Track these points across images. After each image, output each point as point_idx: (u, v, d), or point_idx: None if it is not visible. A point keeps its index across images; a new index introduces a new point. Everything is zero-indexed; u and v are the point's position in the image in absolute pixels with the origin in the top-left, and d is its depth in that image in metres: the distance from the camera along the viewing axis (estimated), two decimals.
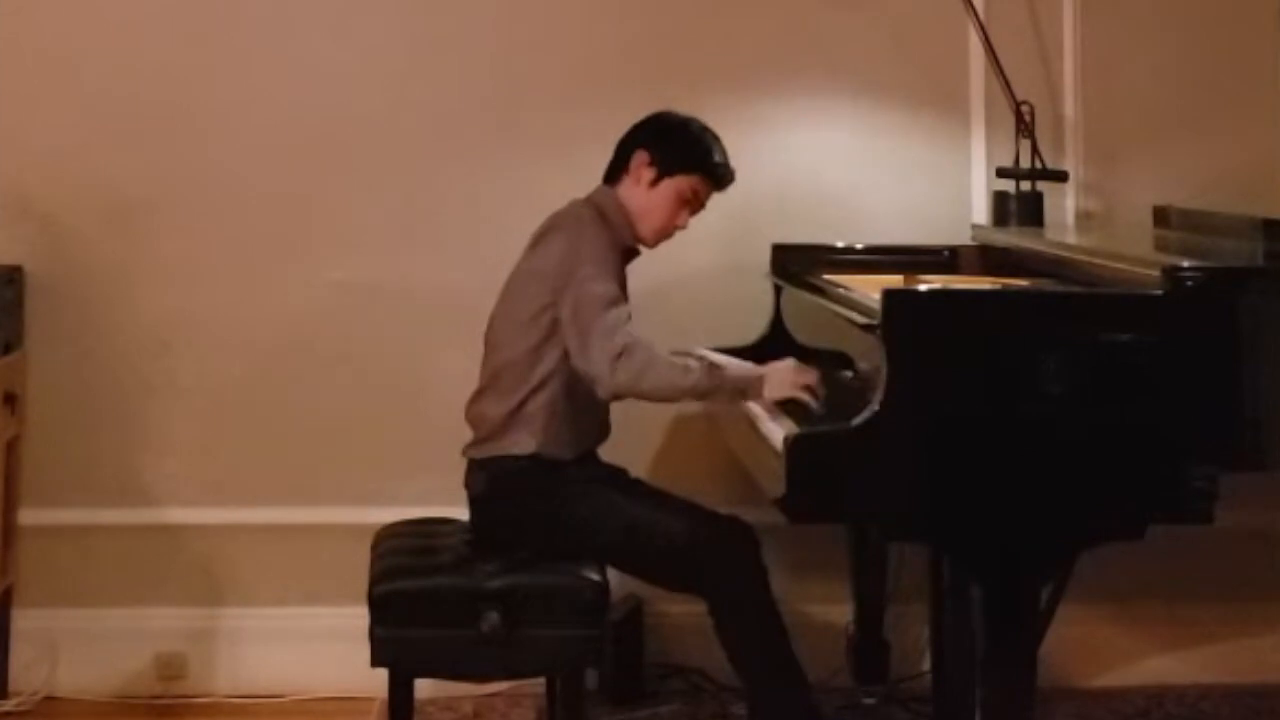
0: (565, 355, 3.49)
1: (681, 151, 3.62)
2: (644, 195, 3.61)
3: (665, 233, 3.67)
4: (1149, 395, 2.92)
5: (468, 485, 3.61)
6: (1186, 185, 4.15)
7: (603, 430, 3.65)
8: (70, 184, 4.20)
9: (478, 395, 3.62)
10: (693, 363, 3.44)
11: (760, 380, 3.46)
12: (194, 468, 4.23)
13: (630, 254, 3.66)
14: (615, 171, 3.67)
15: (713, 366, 3.45)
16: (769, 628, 3.44)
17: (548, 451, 3.52)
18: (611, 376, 3.40)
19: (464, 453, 3.61)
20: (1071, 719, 4.09)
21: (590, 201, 3.64)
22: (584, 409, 3.55)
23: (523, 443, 3.52)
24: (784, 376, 3.48)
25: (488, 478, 3.56)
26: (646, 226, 3.64)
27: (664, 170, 3.61)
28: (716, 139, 3.66)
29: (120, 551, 4.21)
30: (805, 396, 3.43)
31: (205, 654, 4.22)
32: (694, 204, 3.67)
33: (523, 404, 3.52)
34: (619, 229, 3.61)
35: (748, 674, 3.48)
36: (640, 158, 3.61)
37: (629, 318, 3.46)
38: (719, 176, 3.65)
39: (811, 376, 3.45)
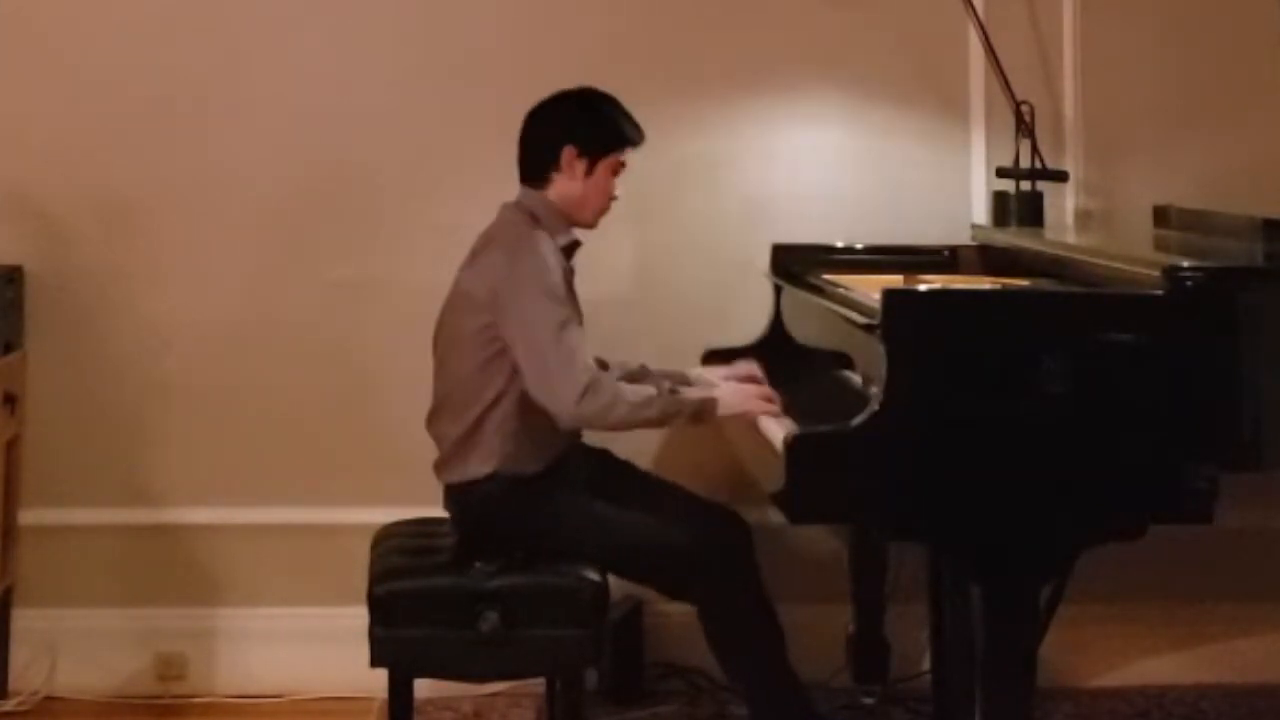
0: (515, 372, 3.47)
1: (604, 134, 3.60)
2: (581, 185, 3.60)
3: (606, 210, 3.66)
4: (1149, 395, 2.92)
5: (446, 507, 3.60)
6: (1186, 185, 4.15)
7: (572, 433, 3.61)
8: (70, 184, 4.20)
9: (433, 413, 3.62)
10: (652, 391, 3.44)
11: (714, 401, 3.48)
12: (194, 468, 4.23)
13: (572, 249, 3.64)
14: (541, 170, 3.62)
15: (671, 393, 3.46)
16: (765, 631, 3.44)
17: (509, 469, 3.50)
18: (576, 412, 3.40)
19: (434, 472, 3.60)
20: (1071, 719, 4.09)
21: (521, 207, 3.61)
22: (544, 422, 3.49)
23: (483, 463, 3.51)
24: (735, 393, 3.52)
25: (461, 506, 3.55)
26: (589, 212, 3.63)
27: (595, 157, 3.59)
28: (618, 104, 3.64)
29: (120, 551, 4.21)
30: (762, 407, 3.44)
31: (205, 654, 4.22)
32: (620, 171, 3.66)
33: (478, 423, 3.51)
34: (556, 229, 3.59)
35: (745, 679, 3.47)
36: (569, 153, 3.58)
37: (580, 340, 3.45)
38: (638, 141, 3.65)
39: (763, 390, 3.48)
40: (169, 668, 4.20)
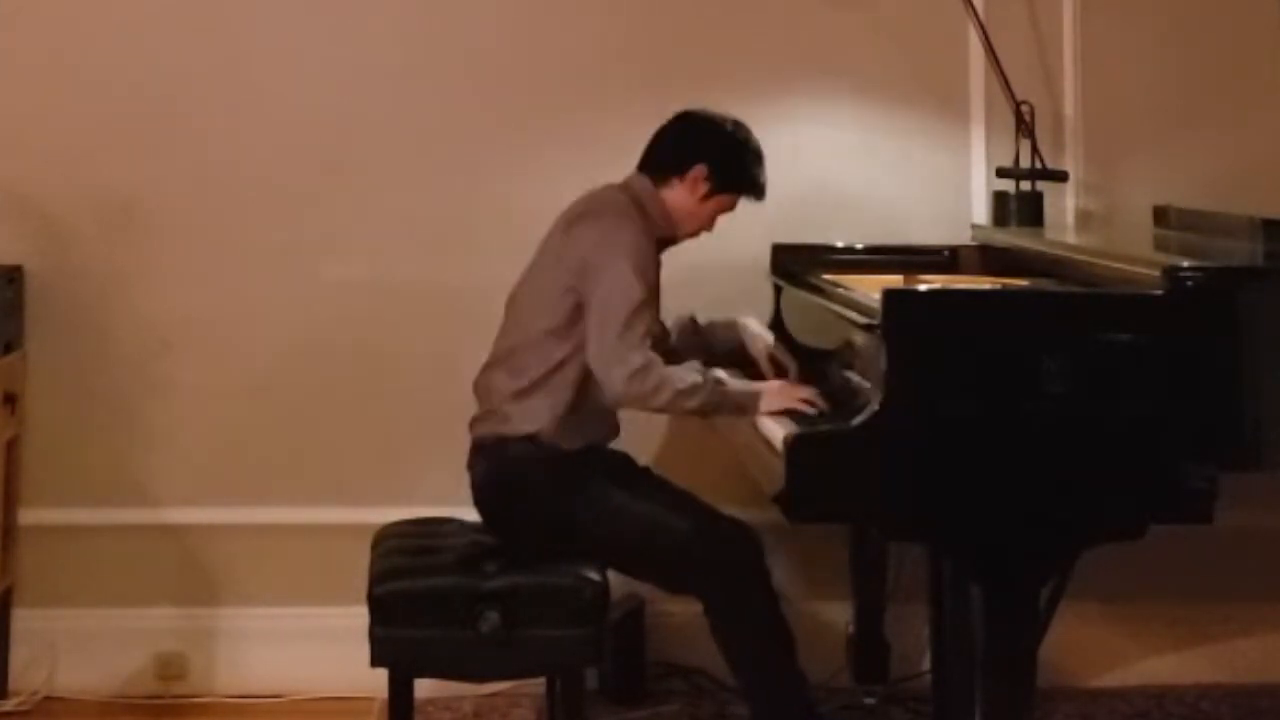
0: (584, 342, 3.50)
1: (740, 174, 3.66)
2: (693, 204, 3.65)
3: (696, 235, 3.72)
4: (1148, 395, 2.92)
5: (470, 467, 3.61)
6: (1186, 185, 4.16)
7: (612, 429, 3.65)
8: (70, 184, 4.20)
9: (488, 367, 3.63)
10: (699, 380, 3.45)
11: (758, 396, 3.47)
12: (194, 468, 4.23)
13: (666, 243, 3.68)
14: (665, 170, 3.65)
15: (717, 384, 3.47)
16: (770, 632, 3.44)
17: (550, 437, 3.51)
18: (623, 390, 3.44)
19: (470, 427, 3.61)
20: (1071, 719, 4.10)
21: (628, 189, 3.65)
22: (595, 403, 3.54)
23: (527, 424, 3.52)
24: (782, 390, 3.51)
25: (489, 464, 3.56)
26: (685, 229, 3.69)
27: (719, 188, 3.65)
28: (762, 156, 3.70)
29: (120, 551, 4.21)
30: (803, 408, 3.42)
31: (205, 654, 4.22)
32: (728, 211, 3.72)
33: (535, 385, 3.52)
34: (654, 221, 3.63)
35: (746, 675, 3.47)
36: (700, 170, 3.62)
37: (650, 326, 3.48)
38: (760, 196, 3.71)
39: (808, 392, 3.46)
40: (169, 668, 4.20)
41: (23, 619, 4.19)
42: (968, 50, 4.28)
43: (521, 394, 3.53)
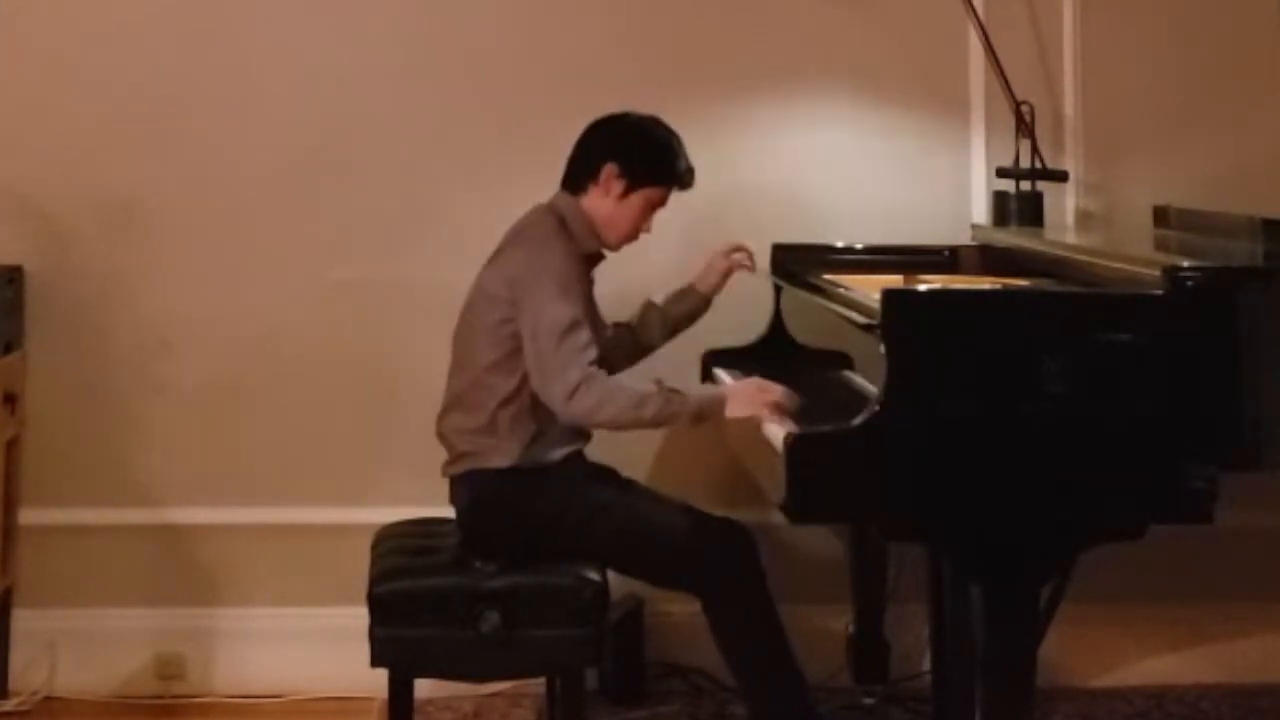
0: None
1: (652, 164, 3.61)
2: (613, 206, 3.60)
3: (632, 238, 3.67)
4: (1148, 395, 2.92)
5: (453, 501, 3.60)
6: (1186, 185, 4.16)
7: (584, 434, 3.61)
8: (70, 184, 4.20)
9: (445, 413, 3.61)
10: (651, 390, 3.42)
11: (722, 401, 3.44)
12: (194, 468, 4.23)
13: (595, 259, 3.66)
14: (579, 179, 3.63)
15: (671, 393, 3.42)
16: (766, 627, 3.43)
17: (527, 462, 3.51)
18: (566, 408, 3.41)
19: (443, 472, 3.60)
20: (1071, 719, 4.10)
21: (552, 210, 3.63)
22: (558, 420, 3.52)
23: (500, 458, 3.51)
24: (747, 394, 3.45)
25: (472, 490, 3.54)
26: (614, 234, 3.63)
27: (634, 183, 3.60)
28: (679, 142, 3.65)
29: (120, 551, 4.21)
30: (767, 413, 3.35)
31: (205, 654, 4.22)
32: (659, 208, 3.67)
33: (493, 419, 3.51)
34: (582, 238, 3.60)
35: (745, 675, 3.47)
36: (610, 170, 3.59)
37: (587, 342, 3.44)
38: (686, 184, 3.65)
39: (776, 393, 3.40)
40: (169, 668, 4.20)
41: (23, 619, 4.19)
42: (968, 50, 4.28)
43: (484, 430, 3.51)
